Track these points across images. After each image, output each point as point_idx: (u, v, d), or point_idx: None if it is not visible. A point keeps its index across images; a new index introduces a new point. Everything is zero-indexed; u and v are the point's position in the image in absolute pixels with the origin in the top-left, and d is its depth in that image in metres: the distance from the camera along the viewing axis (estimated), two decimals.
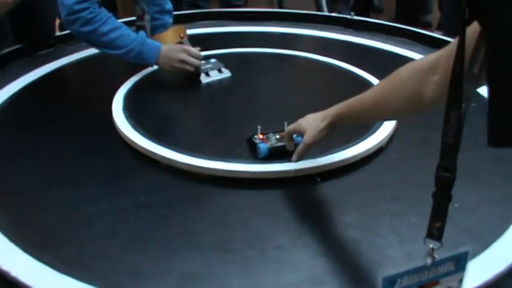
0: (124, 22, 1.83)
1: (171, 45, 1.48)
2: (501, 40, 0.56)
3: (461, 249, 0.73)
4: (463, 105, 0.68)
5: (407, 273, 0.68)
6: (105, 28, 1.40)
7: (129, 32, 1.44)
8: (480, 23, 0.63)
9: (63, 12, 1.40)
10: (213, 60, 1.56)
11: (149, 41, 1.46)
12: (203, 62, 1.53)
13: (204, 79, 1.50)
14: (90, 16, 1.38)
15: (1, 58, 1.62)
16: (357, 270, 0.86)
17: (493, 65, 0.58)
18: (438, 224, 0.71)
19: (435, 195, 0.72)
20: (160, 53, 1.44)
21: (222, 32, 1.93)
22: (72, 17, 1.39)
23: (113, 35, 1.41)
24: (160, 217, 0.99)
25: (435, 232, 0.72)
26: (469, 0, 0.59)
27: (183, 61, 1.45)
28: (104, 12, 1.41)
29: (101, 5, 1.41)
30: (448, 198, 0.71)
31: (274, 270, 0.86)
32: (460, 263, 0.73)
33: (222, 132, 1.23)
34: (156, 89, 1.48)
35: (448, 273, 0.72)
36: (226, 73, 1.54)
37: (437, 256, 0.70)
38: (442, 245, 0.71)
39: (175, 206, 1.03)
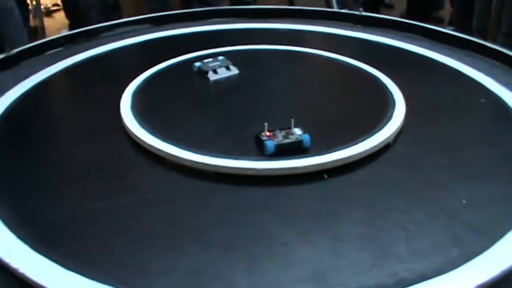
0: (131, 21, 1.85)
1: None
2: None
3: None
4: None
5: None
6: None
7: None
8: None
9: None
10: (221, 57, 1.56)
11: None
12: (211, 59, 1.52)
13: (211, 76, 1.50)
14: None
15: (11, 58, 1.63)
16: (362, 267, 0.86)
17: None
18: None
19: None
20: None
21: (231, 29, 1.93)
22: None
23: None
24: (167, 214, 1.00)
25: None
26: None
27: None
28: None
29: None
30: None
31: (279, 267, 0.87)
32: None
33: (229, 130, 1.23)
34: (164, 87, 1.48)
35: None
36: (234, 71, 1.54)
37: None
38: None
39: (182, 203, 1.03)
